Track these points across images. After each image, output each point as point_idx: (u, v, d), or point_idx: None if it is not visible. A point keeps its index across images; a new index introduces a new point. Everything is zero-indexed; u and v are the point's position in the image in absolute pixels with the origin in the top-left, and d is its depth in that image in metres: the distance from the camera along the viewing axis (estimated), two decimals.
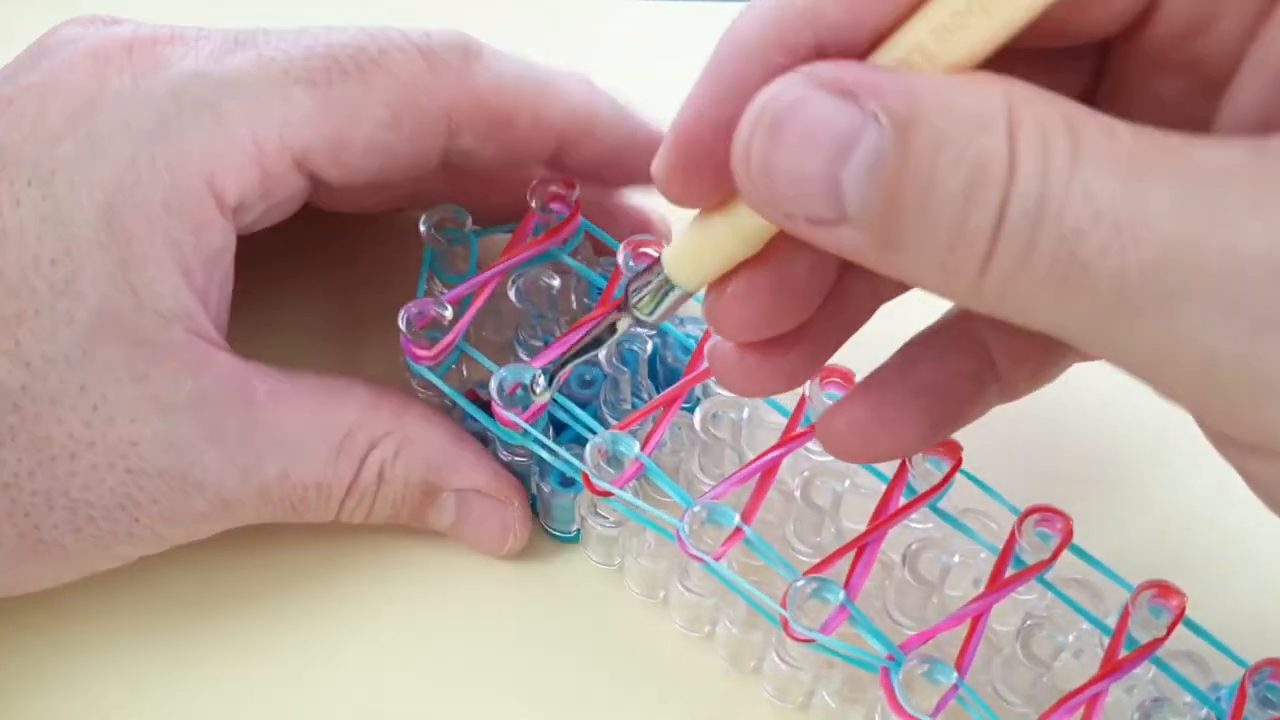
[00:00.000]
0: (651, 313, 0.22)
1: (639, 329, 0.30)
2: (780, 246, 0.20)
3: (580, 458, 0.27)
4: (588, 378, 0.30)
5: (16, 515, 0.25)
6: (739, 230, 0.20)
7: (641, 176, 0.27)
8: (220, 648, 0.29)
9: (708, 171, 0.19)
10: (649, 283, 0.22)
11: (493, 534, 0.30)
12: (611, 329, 0.24)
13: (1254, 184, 0.15)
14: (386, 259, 0.34)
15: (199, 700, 0.28)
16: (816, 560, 0.28)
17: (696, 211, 0.21)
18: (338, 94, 0.27)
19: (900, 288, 0.23)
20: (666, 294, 0.22)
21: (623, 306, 0.23)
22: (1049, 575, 0.26)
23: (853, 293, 0.23)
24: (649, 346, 0.29)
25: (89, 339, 0.25)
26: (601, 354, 0.28)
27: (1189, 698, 0.25)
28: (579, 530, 0.30)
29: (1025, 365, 0.24)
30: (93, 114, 0.26)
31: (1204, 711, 0.25)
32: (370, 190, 0.31)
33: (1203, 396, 0.17)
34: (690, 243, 0.21)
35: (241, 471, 0.26)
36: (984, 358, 0.24)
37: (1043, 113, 0.16)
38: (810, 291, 0.22)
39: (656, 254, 0.29)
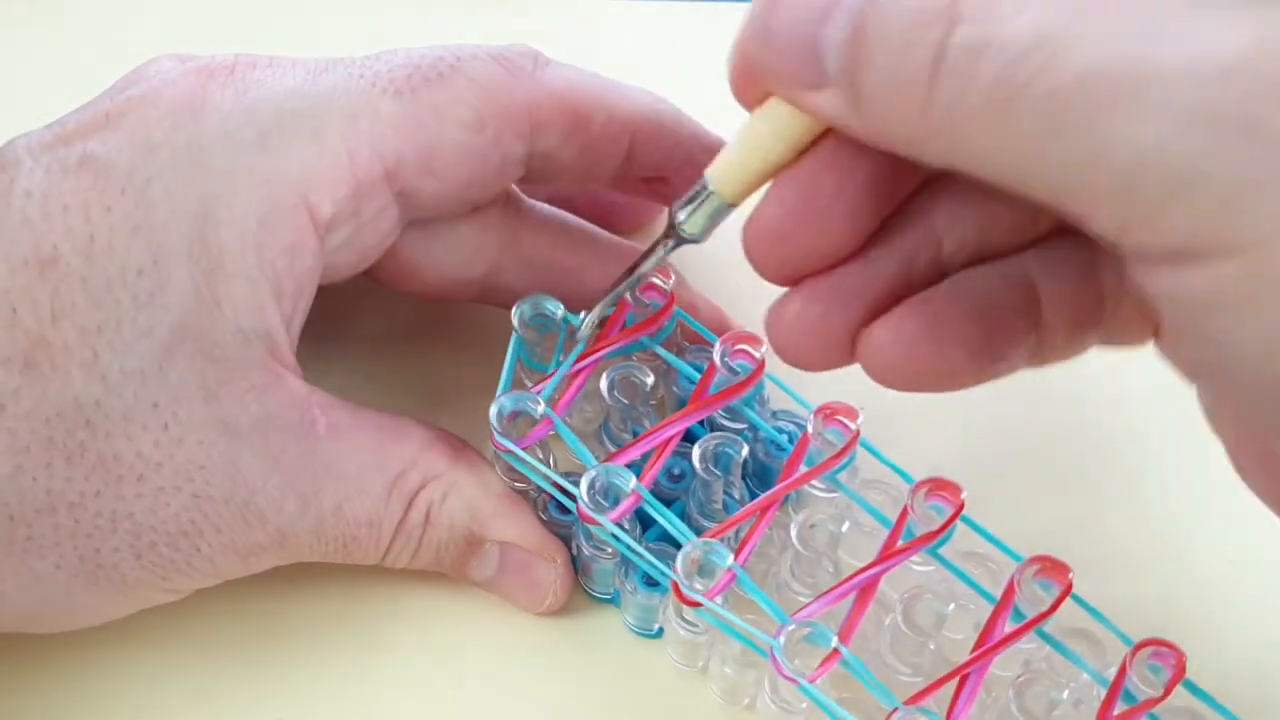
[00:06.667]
0: (694, 226, 0.24)
1: (731, 423, 0.29)
2: (811, 164, 0.22)
3: (668, 558, 0.26)
4: (676, 472, 0.29)
5: (79, 536, 0.24)
6: (772, 126, 0.22)
7: None
8: (245, 697, 0.28)
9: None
10: (693, 199, 0.24)
11: (533, 590, 0.29)
12: (653, 253, 0.26)
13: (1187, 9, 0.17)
14: (476, 325, 0.34)
15: None
16: (914, 677, 0.27)
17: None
18: (422, 99, 0.27)
19: (939, 248, 0.24)
20: (709, 206, 0.24)
21: (668, 231, 0.25)
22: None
23: (894, 245, 0.23)
24: (744, 450, 0.28)
25: (165, 353, 0.25)
26: (696, 455, 0.28)
27: None
28: (617, 591, 0.29)
29: (1066, 311, 0.23)
30: (193, 124, 0.26)
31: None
32: (456, 248, 0.30)
33: (1125, 202, 0.17)
34: (731, 148, 0.23)
35: (301, 502, 0.26)
36: (1030, 294, 0.23)
37: None
38: (841, 214, 0.22)
39: (756, 352, 0.29)
